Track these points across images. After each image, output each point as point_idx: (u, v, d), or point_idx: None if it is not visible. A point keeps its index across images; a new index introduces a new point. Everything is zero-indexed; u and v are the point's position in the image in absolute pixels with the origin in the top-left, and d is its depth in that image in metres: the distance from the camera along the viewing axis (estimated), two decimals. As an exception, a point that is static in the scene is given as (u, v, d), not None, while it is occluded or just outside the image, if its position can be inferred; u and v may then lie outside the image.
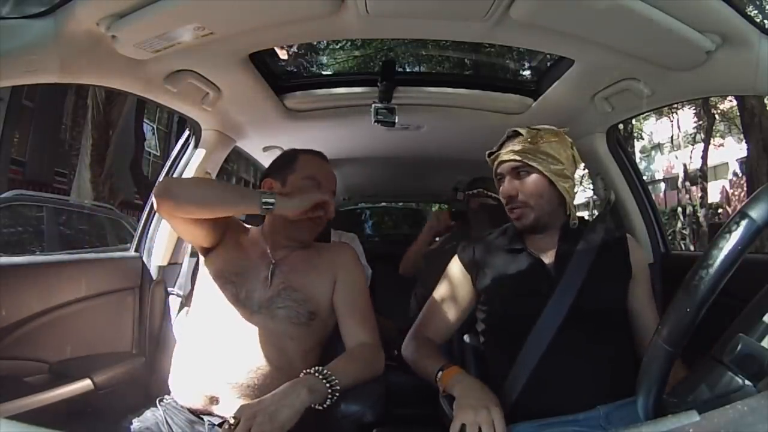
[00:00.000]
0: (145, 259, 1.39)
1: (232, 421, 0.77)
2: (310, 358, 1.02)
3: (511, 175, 1.00)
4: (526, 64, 1.85)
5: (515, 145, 1.00)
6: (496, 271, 1.02)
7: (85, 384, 1.01)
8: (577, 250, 0.98)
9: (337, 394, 0.85)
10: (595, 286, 0.93)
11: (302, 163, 1.10)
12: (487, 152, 1.06)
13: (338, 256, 1.10)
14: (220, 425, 0.92)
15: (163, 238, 1.42)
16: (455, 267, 1.09)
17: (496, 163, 1.04)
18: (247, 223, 1.22)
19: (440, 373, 0.93)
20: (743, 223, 0.47)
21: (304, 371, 0.87)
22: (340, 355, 0.97)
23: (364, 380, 0.93)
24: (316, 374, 0.86)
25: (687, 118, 13.61)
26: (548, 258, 1.00)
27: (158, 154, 13.00)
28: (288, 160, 1.11)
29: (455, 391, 0.87)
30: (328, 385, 0.85)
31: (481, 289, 1.03)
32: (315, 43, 1.97)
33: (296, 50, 1.87)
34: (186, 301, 1.34)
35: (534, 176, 0.99)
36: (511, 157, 0.99)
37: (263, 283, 1.03)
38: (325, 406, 0.84)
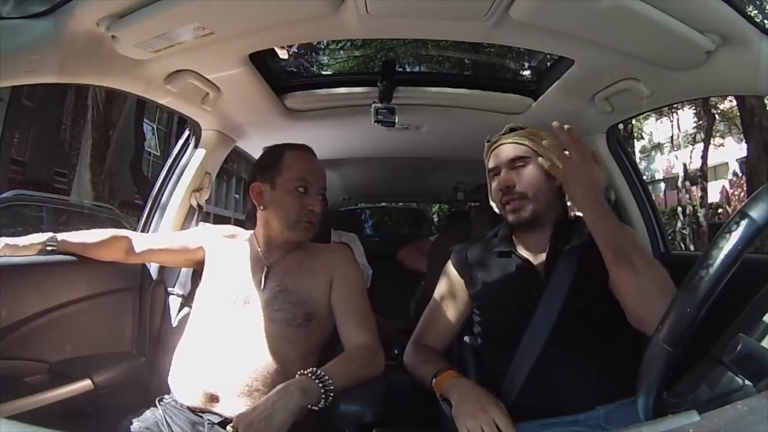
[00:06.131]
0: (145, 259, 1.39)
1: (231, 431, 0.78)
2: (309, 360, 1.01)
3: (509, 167, 0.99)
4: (526, 64, 1.85)
5: (518, 137, 0.99)
6: (487, 276, 1.02)
7: (85, 384, 1.01)
8: (567, 250, 0.97)
9: (332, 395, 0.85)
10: (583, 285, 0.92)
11: (289, 163, 1.06)
12: (486, 138, 1.05)
13: (334, 258, 1.09)
14: (220, 424, 0.93)
15: (163, 238, 1.41)
16: (450, 271, 1.09)
17: (494, 150, 1.02)
18: (247, 226, 1.22)
19: (435, 379, 0.93)
20: (743, 223, 0.47)
21: (299, 373, 0.87)
22: (337, 357, 0.97)
23: (361, 381, 0.93)
24: (309, 375, 0.86)
25: (687, 118, 13.62)
26: (538, 260, 0.99)
27: (158, 154, 13.01)
28: (274, 159, 1.07)
29: (451, 396, 0.87)
30: (321, 385, 0.85)
31: (473, 293, 1.03)
32: (315, 43, 1.97)
33: (296, 50, 1.87)
34: (186, 301, 1.34)
35: (531, 167, 0.97)
36: (515, 140, 0.99)
37: (258, 285, 1.03)
38: (320, 406, 0.84)
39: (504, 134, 1.03)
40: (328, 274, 1.06)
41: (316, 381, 0.85)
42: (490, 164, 1.03)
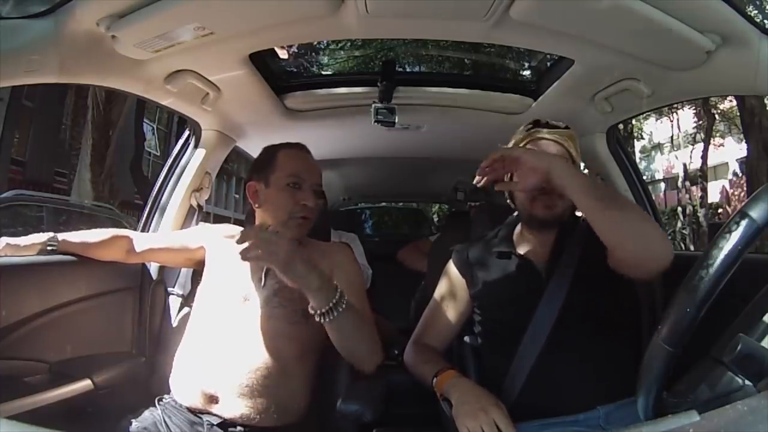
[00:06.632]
0: (145, 258, 1.39)
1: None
2: (307, 360, 1.02)
3: None
4: (526, 64, 1.85)
5: (560, 136, 0.98)
6: (488, 276, 1.02)
7: (85, 384, 1.01)
8: (568, 250, 0.97)
9: (330, 318, 0.87)
10: (583, 285, 0.92)
11: (282, 160, 1.06)
12: (527, 126, 1.02)
13: (333, 256, 1.09)
14: (219, 425, 0.93)
15: (163, 238, 1.41)
16: (451, 271, 1.09)
17: (533, 142, 0.98)
18: (246, 226, 1.22)
19: (435, 379, 0.93)
20: (743, 223, 0.47)
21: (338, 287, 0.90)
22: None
23: (358, 348, 0.94)
24: (336, 291, 0.89)
25: (687, 118, 13.61)
26: (540, 259, 0.99)
27: (158, 154, 13.01)
28: (268, 158, 1.08)
29: (451, 396, 0.87)
30: (333, 302, 0.87)
31: (474, 293, 1.03)
32: (315, 43, 1.97)
33: (296, 50, 1.87)
34: (186, 301, 1.34)
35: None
36: (557, 139, 0.97)
37: (258, 283, 1.03)
38: (312, 311, 0.88)
39: (535, 128, 1.00)
40: (328, 272, 1.05)
41: (334, 298, 0.87)
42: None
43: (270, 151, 1.10)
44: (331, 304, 0.87)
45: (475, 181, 0.88)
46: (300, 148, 1.10)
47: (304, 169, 1.06)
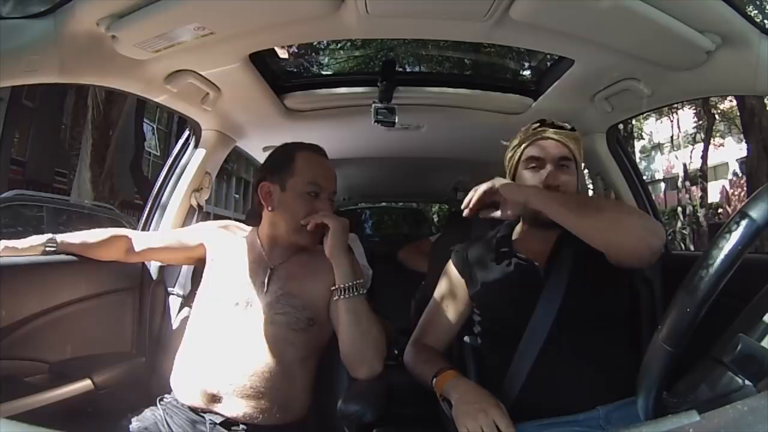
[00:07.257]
0: (145, 258, 1.39)
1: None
2: (310, 362, 1.02)
3: (555, 164, 0.98)
4: (526, 64, 1.85)
5: (566, 137, 0.99)
6: (487, 276, 1.02)
7: (85, 384, 1.01)
8: (566, 249, 0.97)
9: (348, 295, 0.96)
10: (582, 285, 0.92)
11: (301, 164, 1.03)
12: (531, 125, 1.03)
13: None
14: (221, 423, 0.93)
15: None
16: (450, 271, 1.08)
17: (538, 141, 1.00)
18: (247, 223, 1.22)
19: (435, 379, 0.93)
20: (743, 223, 0.47)
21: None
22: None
23: (367, 336, 0.96)
24: (360, 276, 0.99)
25: (687, 118, 13.63)
26: (540, 259, 0.99)
27: (158, 154, 13.02)
28: (285, 159, 1.05)
29: (451, 396, 0.86)
30: (355, 282, 0.97)
31: (474, 293, 1.03)
32: (315, 43, 1.97)
33: (296, 50, 1.87)
34: (186, 301, 1.34)
35: (573, 169, 1.00)
36: (566, 143, 0.99)
37: (260, 288, 1.02)
38: (338, 286, 0.97)
39: (542, 127, 1.01)
40: (330, 278, 1.03)
41: (358, 280, 0.98)
42: (533, 153, 1.00)
43: (287, 152, 1.06)
44: (354, 282, 0.96)
45: (464, 214, 0.96)
46: (319, 151, 1.07)
47: (323, 177, 1.04)
